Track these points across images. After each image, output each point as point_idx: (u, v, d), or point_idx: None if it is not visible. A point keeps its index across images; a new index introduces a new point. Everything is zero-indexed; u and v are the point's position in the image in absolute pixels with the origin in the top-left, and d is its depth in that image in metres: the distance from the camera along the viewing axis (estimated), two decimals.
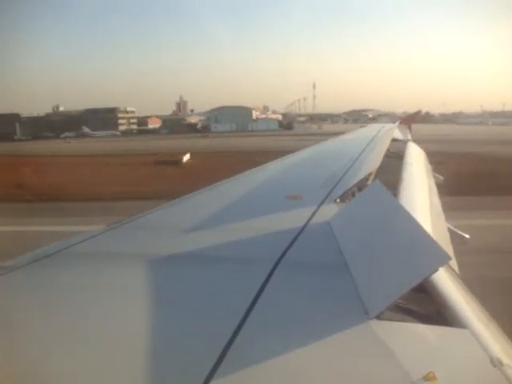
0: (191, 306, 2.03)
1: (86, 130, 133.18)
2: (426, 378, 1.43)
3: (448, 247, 3.48)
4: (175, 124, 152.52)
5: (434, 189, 6.42)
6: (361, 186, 4.67)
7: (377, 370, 1.54)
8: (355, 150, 7.55)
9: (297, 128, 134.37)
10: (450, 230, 4.55)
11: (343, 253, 2.57)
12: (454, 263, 2.78)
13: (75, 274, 2.47)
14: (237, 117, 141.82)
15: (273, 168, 6.55)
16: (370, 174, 5.25)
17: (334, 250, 2.66)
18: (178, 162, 44.91)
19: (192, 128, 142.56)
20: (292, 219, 3.38)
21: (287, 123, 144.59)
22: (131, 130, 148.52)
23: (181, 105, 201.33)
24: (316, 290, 2.20)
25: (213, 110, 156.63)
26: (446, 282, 2.24)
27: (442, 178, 8.51)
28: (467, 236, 5.19)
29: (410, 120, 20.82)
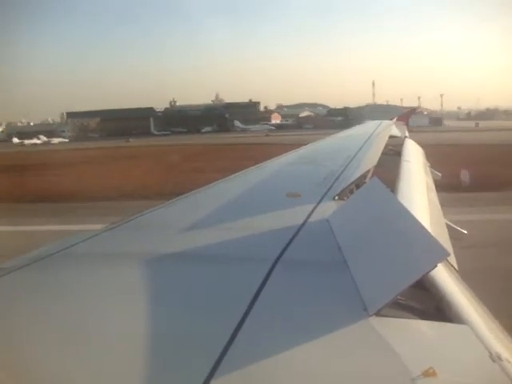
0: (191, 306, 2.03)
1: (237, 124, 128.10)
2: (426, 373, 1.43)
3: (446, 243, 3.49)
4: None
5: (432, 185, 6.45)
6: (359, 183, 4.67)
7: (377, 366, 1.55)
8: (353, 148, 7.55)
9: (446, 124, 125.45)
10: (449, 226, 4.57)
11: (342, 250, 2.58)
12: (452, 259, 2.79)
13: (74, 274, 2.47)
14: (386, 113, 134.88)
15: (271, 166, 6.55)
16: (368, 171, 5.25)
17: (332, 247, 2.66)
18: None
19: (329, 123, 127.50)
20: (290, 217, 3.38)
21: (436, 119, 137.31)
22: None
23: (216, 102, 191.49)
24: (315, 287, 2.20)
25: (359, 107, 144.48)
26: (444, 277, 2.25)
27: (440, 175, 8.54)
28: (465, 232, 5.22)
29: (406, 117, 20.86)
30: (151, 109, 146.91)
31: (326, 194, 4.13)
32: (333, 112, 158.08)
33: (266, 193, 4.63)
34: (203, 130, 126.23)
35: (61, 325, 1.88)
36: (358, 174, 4.96)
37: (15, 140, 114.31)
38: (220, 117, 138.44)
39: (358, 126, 17.97)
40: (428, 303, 2.13)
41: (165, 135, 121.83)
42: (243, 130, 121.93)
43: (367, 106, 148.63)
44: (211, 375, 1.46)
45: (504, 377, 1.48)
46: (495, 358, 1.56)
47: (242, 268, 2.45)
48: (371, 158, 6.20)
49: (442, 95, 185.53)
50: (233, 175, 5.58)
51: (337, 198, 4.02)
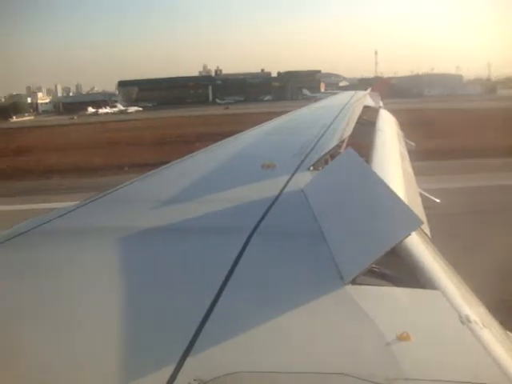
0: (170, 277, 2.03)
1: (305, 92, 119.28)
2: (400, 337, 1.47)
3: (420, 212, 3.56)
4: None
5: (406, 155, 6.53)
6: (334, 153, 4.69)
7: (353, 332, 1.58)
8: (328, 118, 7.54)
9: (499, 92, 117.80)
10: (422, 195, 4.66)
11: (318, 220, 2.60)
12: (425, 227, 2.85)
13: (51, 250, 2.43)
14: (446, 82, 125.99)
15: (246, 137, 6.49)
16: (342, 142, 5.27)
17: (308, 217, 2.68)
18: None
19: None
20: (266, 188, 3.38)
21: (491, 87, 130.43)
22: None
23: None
24: (292, 256, 2.22)
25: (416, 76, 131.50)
26: (418, 245, 2.30)
27: (414, 145, 8.65)
28: (438, 200, 5.33)
29: (381, 87, 20.90)
30: (210, 77, 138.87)
31: (301, 164, 4.13)
32: (364, 81, 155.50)
33: (242, 164, 4.60)
34: (265, 99, 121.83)
35: (36, 301, 1.85)
36: (332, 145, 4.96)
37: (90, 109, 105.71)
38: (279, 85, 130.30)
39: (333, 96, 17.94)
40: (402, 270, 2.18)
41: (229, 103, 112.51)
42: (307, 99, 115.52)
43: (419, 75, 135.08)
44: (192, 344, 1.47)
45: (472, 338, 1.54)
46: (465, 321, 1.62)
47: (219, 239, 2.45)
48: (346, 129, 6.21)
49: (489, 64, 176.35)
50: (208, 147, 5.52)
51: (312, 168, 4.03)
